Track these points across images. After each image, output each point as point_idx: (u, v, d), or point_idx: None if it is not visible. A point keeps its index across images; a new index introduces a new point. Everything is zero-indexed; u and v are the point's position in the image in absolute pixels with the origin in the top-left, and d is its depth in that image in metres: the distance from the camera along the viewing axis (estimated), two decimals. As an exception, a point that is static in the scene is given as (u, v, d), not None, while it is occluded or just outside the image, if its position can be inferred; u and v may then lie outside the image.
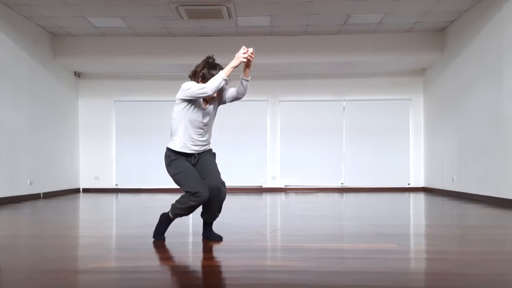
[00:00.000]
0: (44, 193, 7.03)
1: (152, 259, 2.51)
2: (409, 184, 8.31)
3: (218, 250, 2.73)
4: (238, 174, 8.24)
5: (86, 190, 8.42)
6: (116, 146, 8.50)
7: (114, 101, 8.48)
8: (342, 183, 8.38)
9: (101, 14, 6.39)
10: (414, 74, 8.27)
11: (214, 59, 2.92)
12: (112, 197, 7.26)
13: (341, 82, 8.34)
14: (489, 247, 2.77)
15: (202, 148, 2.96)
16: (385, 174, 8.30)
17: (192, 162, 2.92)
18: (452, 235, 3.27)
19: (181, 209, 2.87)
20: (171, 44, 7.43)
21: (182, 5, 6.01)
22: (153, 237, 3.05)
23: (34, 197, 6.73)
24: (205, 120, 2.91)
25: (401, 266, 2.29)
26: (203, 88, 2.74)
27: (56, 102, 7.55)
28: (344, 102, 8.39)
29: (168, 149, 2.92)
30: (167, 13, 6.33)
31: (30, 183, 6.66)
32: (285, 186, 8.42)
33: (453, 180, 6.82)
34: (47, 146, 7.21)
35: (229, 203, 5.79)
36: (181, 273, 2.20)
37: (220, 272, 2.23)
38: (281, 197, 7.03)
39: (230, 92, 2.97)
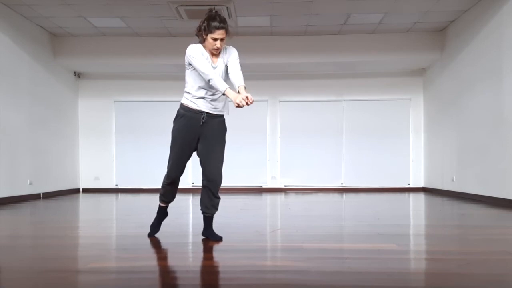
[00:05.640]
0: (44, 193, 7.03)
1: (152, 259, 2.51)
2: (409, 184, 8.31)
3: (218, 250, 2.72)
4: (238, 174, 8.23)
5: (86, 190, 8.42)
6: (116, 146, 8.50)
7: (114, 101, 8.47)
8: (342, 183, 8.38)
9: (101, 14, 6.39)
10: (414, 74, 8.27)
11: (216, 11, 2.81)
12: (112, 197, 7.26)
13: (341, 82, 8.34)
14: (489, 247, 2.77)
15: (213, 111, 2.89)
16: (385, 174, 8.29)
17: (200, 123, 2.86)
18: (452, 235, 3.27)
19: (161, 190, 3.05)
20: (171, 44, 7.42)
21: (182, 5, 6.01)
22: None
23: (34, 197, 6.73)
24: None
25: (401, 266, 2.29)
26: (207, 74, 2.72)
27: (56, 102, 7.54)
28: (344, 102, 8.39)
29: (180, 104, 2.93)
30: (167, 13, 6.33)
31: (30, 183, 6.66)
32: (285, 186, 8.42)
33: (453, 180, 6.82)
34: (47, 146, 7.21)
35: (229, 203, 5.79)
36: (181, 273, 2.20)
37: (220, 272, 2.22)
38: (281, 197, 7.03)
39: (229, 68, 2.88)
